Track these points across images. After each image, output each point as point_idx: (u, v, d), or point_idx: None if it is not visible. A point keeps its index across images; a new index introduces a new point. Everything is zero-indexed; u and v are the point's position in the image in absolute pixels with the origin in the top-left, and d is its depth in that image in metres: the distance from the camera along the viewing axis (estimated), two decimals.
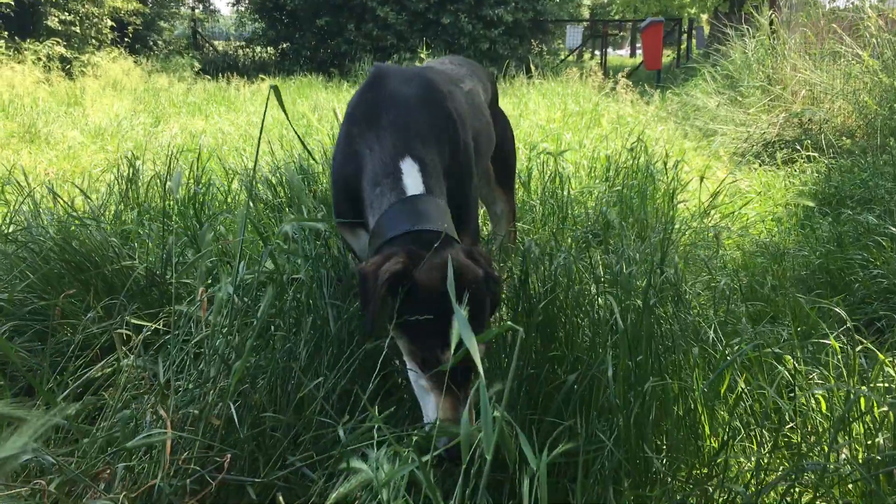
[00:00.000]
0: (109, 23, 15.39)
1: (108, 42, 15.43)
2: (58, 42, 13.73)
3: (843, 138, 6.05)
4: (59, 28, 14.01)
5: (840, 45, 7.19)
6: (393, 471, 1.21)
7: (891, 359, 2.17)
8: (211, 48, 21.01)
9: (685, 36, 21.95)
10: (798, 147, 6.38)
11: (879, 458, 1.61)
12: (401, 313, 1.68)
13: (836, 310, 2.33)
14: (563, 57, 21.03)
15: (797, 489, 1.69)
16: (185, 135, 7.86)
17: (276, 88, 1.68)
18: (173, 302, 1.85)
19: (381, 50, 17.96)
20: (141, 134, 7.93)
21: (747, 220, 4.56)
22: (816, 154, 6.11)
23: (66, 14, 14.18)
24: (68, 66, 13.72)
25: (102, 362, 1.98)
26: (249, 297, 1.96)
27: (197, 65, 16.44)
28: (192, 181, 3.49)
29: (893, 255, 3.47)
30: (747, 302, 3.24)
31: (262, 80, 13.87)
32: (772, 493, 1.66)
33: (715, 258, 3.68)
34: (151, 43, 17.98)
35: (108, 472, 1.57)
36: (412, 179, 1.91)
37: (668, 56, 23.32)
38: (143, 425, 1.67)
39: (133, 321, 2.17)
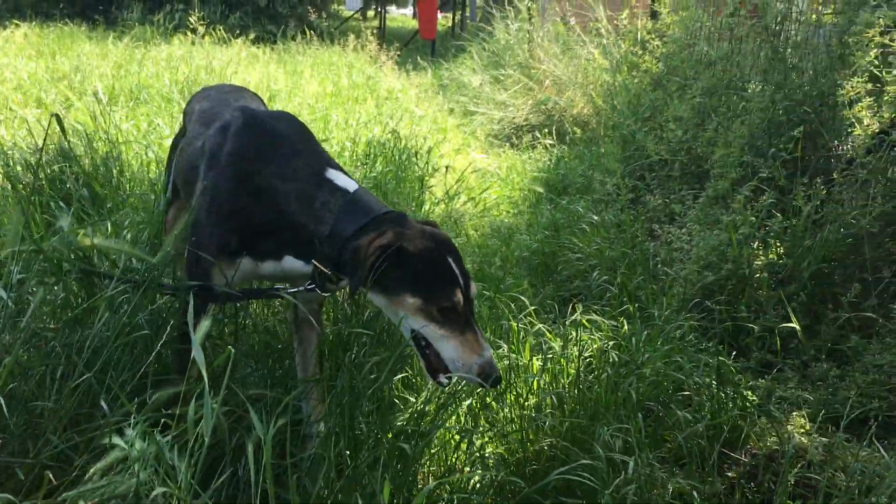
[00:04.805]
0: None
1: None
2: None
3: (576, 128, 6.93)
4: None
5: (581, 42, 8.12)
6: (145, 448, 1.55)
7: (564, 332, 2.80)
8: None
9: (460, 6, 22.90)
10: (539, 134, 7.20)
11: (529, 413, 2.18)
12: (399, 279, 2.02)
13: (522, 298, 2.92)
14: (344, 19, 21.17)
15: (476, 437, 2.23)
16: None
17: (58, 117, 1.89)
18: None
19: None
20: None
21: (487, 203, 5.21)
22: (554, 141, 6.95)
23: None
24: None
25: None
26: (22, 295, 2.15)
27: None
28: None
29: (594, 240, 4.20)
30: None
31: (17, 25, 12.80)
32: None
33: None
34: None
35: None
36: (344, 181, 2.21)
37: (444, 23, 24.17)
38: None
39: None
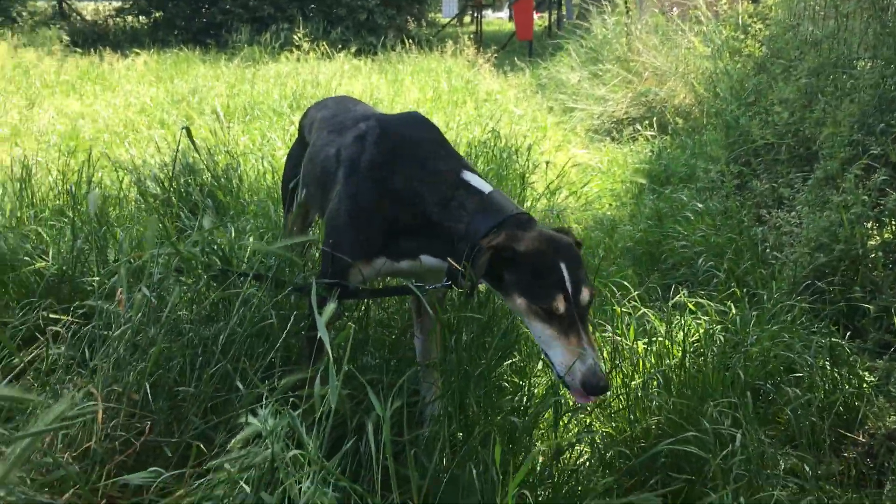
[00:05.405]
0: None
1: None
2: None
3: (678, 119, 6.84)
4: None
5: (680, 31, 8.00)
6: (276, 423, 1.70)
7: (665, 317, 2.83)
8: (78, 18, 20.26)
9: (556, 5, 22.83)
10: (639, 127, 7.15)
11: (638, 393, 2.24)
12: (510, 280, 2.07)
13: (626, 284, 2.96)
14: (441, 26, 21.47)
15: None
16: (62, 118, 7.90)
17: (188, 130, 2.09)
18: (95, 297, 2.26)
19: (258, 20, 17.83)
20: (16, 118, 7.91)
21: (588, 196, 5.23)
22: (655, 132, 6.88)
23: None
24: None
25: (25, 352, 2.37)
26: (161, 291, 2.37)
27: (65, 37, 15.91)
28: (83, 180, 3.80)
29: (699, 227, 4.17)
30: None
31: (137, 54, 13.68)
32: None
33: None
34: (15, 14, 17.24)
35: (50, 438, 2.00)
36: (480, 182, 2.30)
37: (540, 23, 24.10)
38: (75, 400, 2.09)
39: (51, 315, 2.56)
